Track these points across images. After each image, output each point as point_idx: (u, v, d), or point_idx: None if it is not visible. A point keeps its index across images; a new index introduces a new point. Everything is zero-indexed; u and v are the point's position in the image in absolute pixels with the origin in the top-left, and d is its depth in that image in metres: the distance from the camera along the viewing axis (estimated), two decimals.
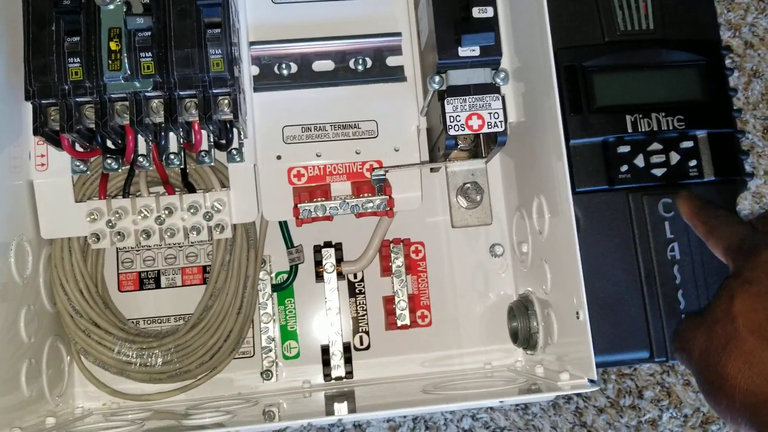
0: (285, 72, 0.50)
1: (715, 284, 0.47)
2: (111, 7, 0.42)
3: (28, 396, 0.44)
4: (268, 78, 0.50)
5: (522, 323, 0.51)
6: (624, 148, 0.48)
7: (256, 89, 0.50)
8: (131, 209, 0.47)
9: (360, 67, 0.51)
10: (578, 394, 0.57)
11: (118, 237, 0.47)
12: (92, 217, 0.46)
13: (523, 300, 0.52)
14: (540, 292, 0.49)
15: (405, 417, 0.56)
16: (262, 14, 0.51)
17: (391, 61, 0.51)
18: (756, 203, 0.60)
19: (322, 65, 0.51)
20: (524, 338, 0.51)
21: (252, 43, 0.50)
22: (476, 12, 0.44)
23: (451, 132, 0.44)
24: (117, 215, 0.47)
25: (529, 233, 0.50)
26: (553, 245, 0.46)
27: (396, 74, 0.51)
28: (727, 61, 0.60)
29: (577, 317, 0.42)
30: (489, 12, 0.44)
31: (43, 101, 0.42)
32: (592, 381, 0.41)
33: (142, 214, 0.47)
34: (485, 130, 0.44)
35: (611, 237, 0.48)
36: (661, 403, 0.57)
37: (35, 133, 0.43)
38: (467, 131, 0.44)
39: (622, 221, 0.48)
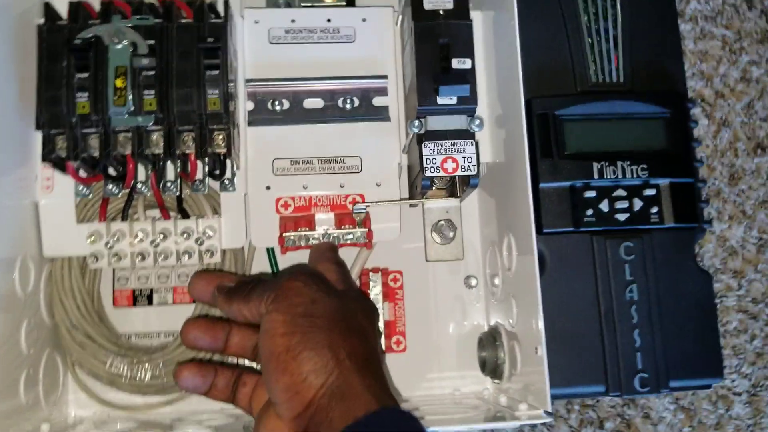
0: (278, 108, 0.54)
1: (671, 325, 0.51)
2: (119, 47, 0.46)
3: (24, 403, 0.48)
4: (262, 113, 0.54)
5: (489, 353, 0.54)
6: (590, 193, 0.52)
7: (250, 123, 0.53)
8: (128, 232, 0.50)
9: (348, 106, 0.54)
10: (543, 423, 0.60)
11: (116, 258, 0.50)
12: (92, 239, 0.50)
13: (492, 331, 0.55)
14: (507, 325, 0.52)
15: None
16: (259, 53, 0.54)
17: (377, 101, 0.55)
18: (719, 246, 0.63)
19: (312, 103, 0.54)
20: (491, 368, 0.54)
21: (248, 81, 0.54)
22: (455, 63, 0.48)
23: (427, 173, 0.47)
24: (115, 238, 0.50)
25: (499, 268, 0.54)
26: (519, 281, 0.50)
27: (381, 114, 0.54)
28: (698, 110, 0.64)
29: (536, 352, 0.45)
30: (467, 64, 0.48)
31: (51, 131, 0.46)
32: (548, 413, 0.44)
33: (139, 238, 0.50)
34: (459, 173, 0.47)
35: (575, 276, 0.51)
36: None
37: (43, 159, 0.46)
38: (442, 173, 0.47)
39: (585, 262, 0.51)
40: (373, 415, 0.37)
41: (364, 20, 0.56)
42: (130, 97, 0.45)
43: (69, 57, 0.45)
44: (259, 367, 0.46)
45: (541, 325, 0.44)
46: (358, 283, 0.57)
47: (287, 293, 0.41)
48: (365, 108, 0.54)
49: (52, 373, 0.52)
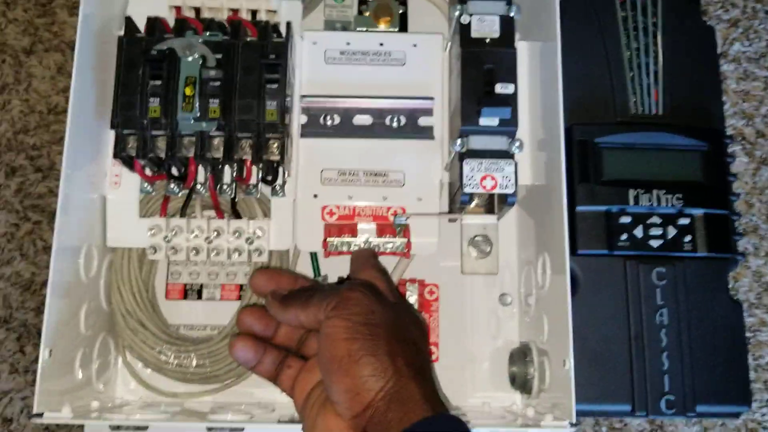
0: (329, 123, 0.57)
1: (699, 351, 0.52)
2: (190, 59, 0.50)
3: (79, 380, 0.51)
4: (314, 126, 0.57)
5: (520, 368, 0.56)
6: (625, 219, 0.54)
7: (302, 135, 0.57)
8: (186, 228, 0.54)
9: (395, 124, 0.57)
10: None
11: (172, 251, 0.54)
12: (152, 231, 0.54)
13: (524, 347, 0.57)
14: (539, 342, 0.54)
15: None
16: (315, 72, 0.58)
17: (423, 121, 0.58)
18: (755, 281, 0.64)
19: (361, 119, 0.57)
20: (521, 383, 0.56)
21: (303, 96, 0.57)
22: (498, 87, 0.50)
23: (466, 189, 0.50)
24: (173, 232, 0.54)
25: (534, 286, 0.56)
26: (551, 299, 0.51)
27: (426, 133, 0.57)
28: (737, 147, 0.65)
29: (564, 365, 0.47)
30: (510, 89, 0.51)
31: (124, 131, 0.50)
32: (572, 424, 0.46)
33: (194, 234, 0.54)
34: (497, 190, 0.50)
35: (606, 298, 0.53)
36: None
37: (115, 156, 0.51)
38: (481, 190, 0.50)
39: (617, 284, 0.53)
40: (428, 420, 0.39)
41: (414, 45, 0.59)
42: (197, 104, 0.49)
43: (145, 66, 0.50)
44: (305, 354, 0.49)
45: (570, 339, 0.46)
46: None
47: (347, 302, 0.43)
48: (411, 127, 0.58)
49: (104, 356, 0.56)
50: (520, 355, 0.56)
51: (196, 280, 0.62)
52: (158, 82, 0.49)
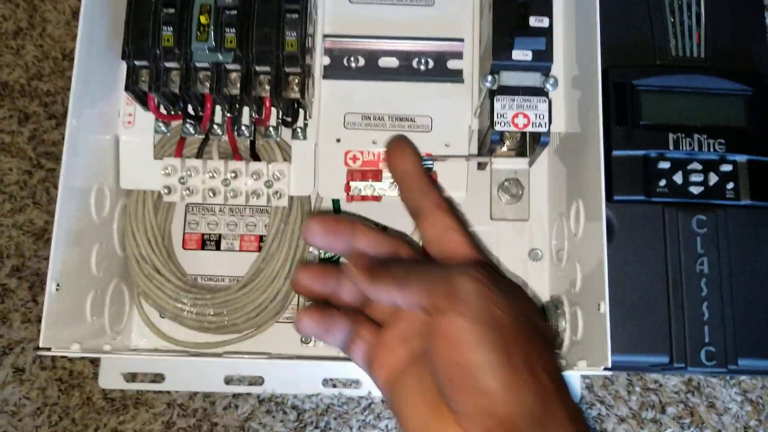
0: (353, 65, 0.55)
1: (742, 302, 0.49)
2: None
3: (90, 323, 0.50)
4: (337, 68, 0.55)
5: (551, 322, 0.53)
6: (664, 164, 0.51)
7: (325, 77, 0.54)
8: (202, 169, 0.52)
9: (422, 67, 0.55)
10: (601, 401, 0.59)
11: (188, 192, 0.52)
12: (166, 171, 0.51)
13: (555, 300, 0.54)
14: (570, 293, 0.52)
15: None
16: (339, 11, 0.56)
17: (452, 64, 0.55)
18: None
19: (387, 62, 0.55)
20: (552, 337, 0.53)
21: (326, 36, 0.55)
22: (533, 21, 0.47)
23: (497, 127, 0.47)
24: (189, 173, 0.52)
25: (566, 236, 0.53)
26: (585, 245, 0.49)
27: (455, 76, 0.54)
28: None
29: (599, 309, 0.44)
30: (545, 22, 0.48)
31: (136, 62, 0.48)
32: (607, 369, 0.43)
33: (211, 175, 0.52)
34: (530, 129, 0.47)
35: (643, 246, 0.50)
36: (683, 421, 0.58)
37: (126, 89, 0.48)
38: (512, 128, 0.47)
39: (655, 232, 0.50)
40: None
41: None
42: (212, 33, 0.47)
43: None
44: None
45: (605, 281, 0.43)
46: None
47: (465, 295, 0.36)
48: (439, 70, 0.55)
49: (118, 304, 0.54)
50: (551, 309, 0.54)
51: (215, 231, 0.59)
52: (172, 10, 0.47)
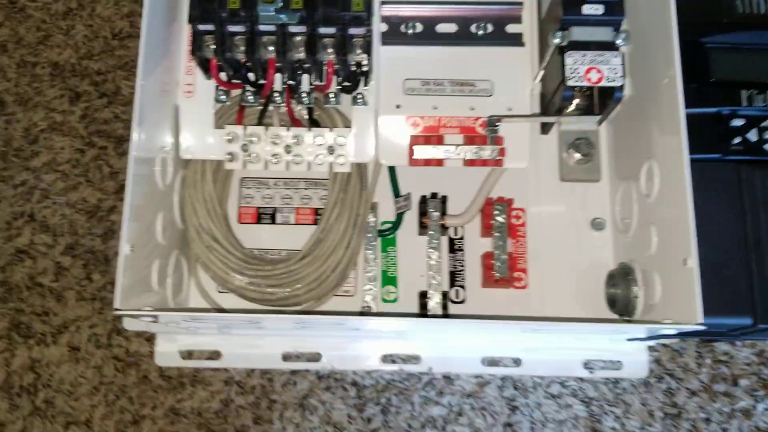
0: (410, 32, 0.54)
1: None
2: None
3: (155, 292, 0.49)
4: (395, 35, 0.54)
5: (622, 289, 0.52)
6: (738, 122, 0.49)
7: (383, 44, 0.54)
8: (263, 136, 0.51)
9: (481, 32, 0.54)
10: (671, 374, 0.57)
11: (249, 158, 0.51)
12: (229, 137, 0.51)
13: (624, 268, 0.53)
14: (642, 258, 0.50)
15: (493, 375, 0.58)
16: None
17: (511, 28, 0.54)
18: None
19: (445, 27, 0.54)
20: (623, 304, 0.52)
21: (384, 3, 0.54)
22: None
23: (570, 83, 0.46)
24: (251, 140, 0.51)
25: (635, 200, 0.51)
26: (660, 206, 0.47)
27: (514, 40, 0.54)
28: None
29: (685, 264, 0.42)
30: None
31: (201, 26, 0.47)
32: (699, 324, 0.41)
33: (273, 141, 0.51)
34: (603, 83, 0.46)
35: (719, 205, 0.49)
36: (757, 393, 0.57)
37: (192, 54, 0.48)
38: (585, 83, 0.46)
39: (731, 191, 0.49)
40: None
41: None
42: None
43: None
44: None
45: (692, 234, 0.42)
46: (480, 209, 0.55)
47: None
48: (498, 34, 0.54)
49: (177, 275, 0.53)
50: (621, 275, 0.52)
51: (270, 204, 0.59)
52: None
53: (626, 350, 0.57)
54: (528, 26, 0.54)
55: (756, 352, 0.58)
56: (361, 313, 0.54)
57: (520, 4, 0.54)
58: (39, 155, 0.62)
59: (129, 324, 0.58)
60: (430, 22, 0.54)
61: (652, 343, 0.57)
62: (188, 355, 0.58)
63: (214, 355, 0.58)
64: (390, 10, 0.54)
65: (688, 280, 0.42)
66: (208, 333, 0.57)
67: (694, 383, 0.57)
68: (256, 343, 0.57)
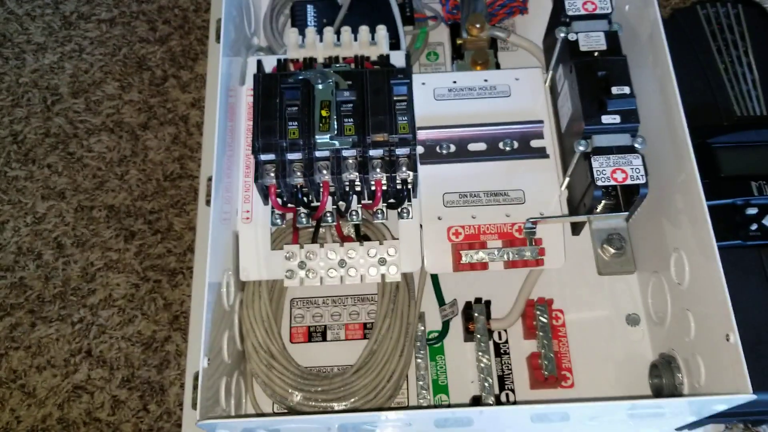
0: (444, 152, 0.60)
1: None
2: (321, 86, 0.53)
3: (223, 409, 0.50)
4: (431, 156, 0.60)
5: (666, 379, 0.54)
6: (752, 210, 0.54)
7: (422, 163, 0.59)
8: (318, 253, 0.55)
9: (508, 148, 0.60)
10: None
11: (307, 275, 0.55)
12: (288, 256, 0.55)
13: (664, 357, 0.55)
14: (682, 345, 0.53)
15: None
16: (426, 108, 0.61)
17: (535, 143, 0.60)
18: None
19: (476, 146, 0.60)
20: (669, 392, 0.54)
21: (418, 128, 0.60)
22: (615, 90, 0.53)
23: (599, 183, 0.51)
24: (308, 257, 0.55)
25: (667, 291, 0.55)
26: (695, 290, 0.51)
27: (539, 153, 0.59)
28: None
29: (728, 339, 0.45)
30: (626, 90, 0.53)
31: (263, 156, 0.52)
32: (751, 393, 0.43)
33: (328, 254, 0.55)
34: (629, 182, 0.51)
35: (747, 287, 0.52)
36: None
37: (255, 180, 0.53)
38: (613, 182, 0.51)
39: (757, 272, 0.52)
40: None
41: (517, 79, 0.63)
42: (335, 124, 0.52)
43: (281, 94, 0.53)
44: None
45: (730, 311, 0.45)
46: (521, 318, 0.59)
47: None
48: (524, 149, 0.60)
49: (237, 394, 0.55)
50: (664, 365, 0.55)
51: (320, 323, 0.62)
52: (295, 108, 0.53)
53: None
54: (549, 141, 0.60)
55: None
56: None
57: (541, 122, 0.60)
58: (96, 293, 0.66)
59: None
60: (462, 142, 0.60)
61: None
62: None
63: None
64: (425, 134, 0.60)
65: (732, 355, 0.45)
66: None
67: None
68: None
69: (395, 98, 0.53)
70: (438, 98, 0.62)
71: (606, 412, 0.48)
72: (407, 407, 0.57)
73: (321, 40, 0.60)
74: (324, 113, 0.52)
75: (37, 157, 0.71)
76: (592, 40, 0.56)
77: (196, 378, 0.53)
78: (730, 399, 0.44)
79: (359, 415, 0.47)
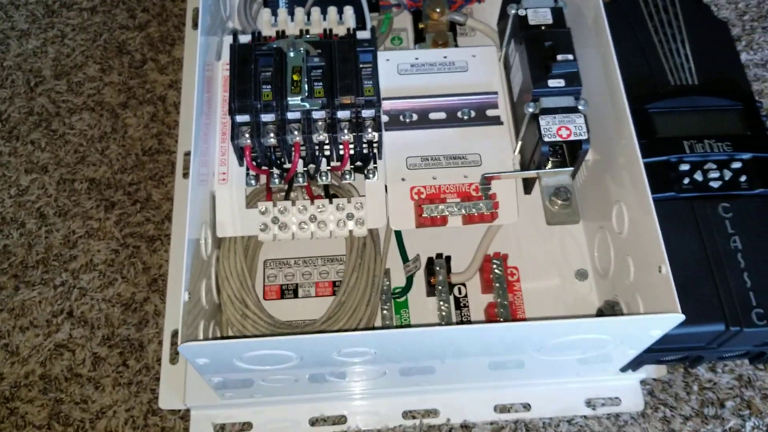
0: (408, 120, 0.65)
1: None
2: (293, 54, 0.58)
3: None
4: (396, 124, 0.65)
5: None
6: (684, 166, 0.60)
7: (387, 130, 0.64)
8: (291, 208, 0.59)
9: (466, 117, 0.65)
10: (664, 404, 0.63)
11: (280, 229, 0.59)
12: (262, 209, 0.59)
13: (609, 303, 0.60)
14: (623, 289, 0.58)
15: (507, 420, 0.62)
16: (390, 82, 0.66)
17: (490, 112, 0.65)
18: None
19: (436, 115, 0.65)
20: None
21: (384, 99, 0.65)
22: (560, 57, 0.59)
23: (546, 139, 0.56)
24: (281, 212, 0.59)
25: (610, 242, 0.60)
26: (633, 237, 0.56)
27: (494, 121, 0.65)
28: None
29: (660, 271, 0.51)
30: (570, 57, 0.59)
31: (239, 117, 0.57)
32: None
33: (300, 210, 0.59)
34: (572, 138, 0.56)
35: (679, 234, 0.57)
36: (743, 413, 0.62)
37: (231, 140, 0.57)
38: (558, 138, 0.56)
39: (688, 221, 0.58)
40: None
41: (474, 56, 0.68)
42: (305, 87, 0.57)
43: (256, 60, 0.58)
44: None
45: (661, 246, 0.50)
46: (481, 265, 0.64)
47: None
48: (480, 117, 0.65)
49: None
50: (608, 308, 0.60)
51: (291, 281, 0.66)
52: (269, 73, 0.57)
53: (622, 387, 0.64)
54: (503, 110, 0.65)
55: (735, 377, 0.64)
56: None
57: (496, 93, 0.66)
58: (77, 258, 0.69)
59: (163, 403, 0.62)
60: (423, 112, 0.65)
61: (643, 375, 0.63)
62: (221, 429, 0.62)
63: (246, 426, 0.62)
64: (390, 104, 0.65)
65: (665, 285, 0.50)
66: (240, 405, 0.61)
67: (686, 410, 0.63)
68: (285, 411, 0.62)
69: (361, 65, 0.58)
70: (401, 72, 0.67)
71: (553, 334, 0.52)
72: (374, 327, 0.61)
73: (292, 20, 0.65)
74: (296, 77, 0.57)
75: (20, 134, 0.75)
76: (540, 15, 0.62)
77: (174, 335, 0.58)
78: (661, 319, 0.49)
79: (331, 336, 0.49)
